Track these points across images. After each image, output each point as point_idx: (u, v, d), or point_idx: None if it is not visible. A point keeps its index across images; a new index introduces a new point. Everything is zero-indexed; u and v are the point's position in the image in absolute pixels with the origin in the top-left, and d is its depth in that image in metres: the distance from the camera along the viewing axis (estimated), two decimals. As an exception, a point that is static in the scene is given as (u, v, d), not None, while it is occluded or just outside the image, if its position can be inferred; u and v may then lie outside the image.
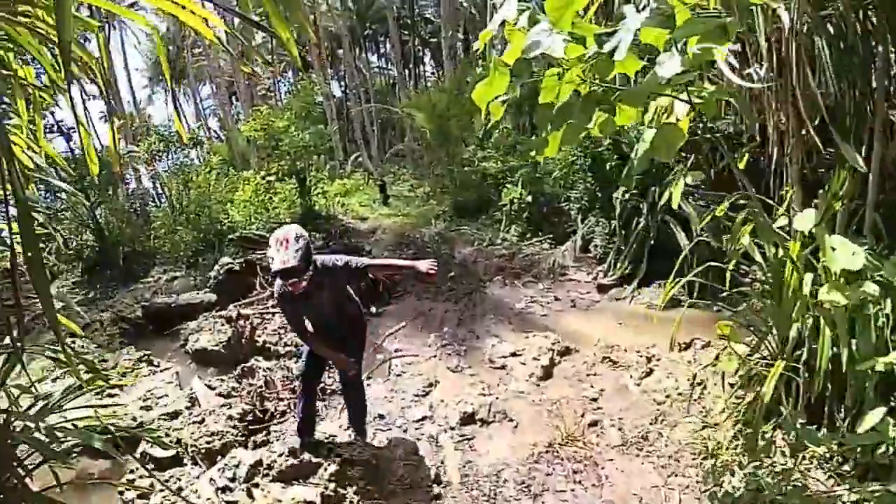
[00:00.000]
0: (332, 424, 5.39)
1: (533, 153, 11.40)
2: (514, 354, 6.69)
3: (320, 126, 15.20)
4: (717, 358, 4.65)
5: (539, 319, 7.94)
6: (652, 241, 8.35)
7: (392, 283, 9.32)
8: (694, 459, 4.36)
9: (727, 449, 4.15)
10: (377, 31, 37.68)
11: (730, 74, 4.82)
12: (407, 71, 35.87)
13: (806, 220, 3.02)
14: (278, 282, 3.90)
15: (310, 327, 4.36)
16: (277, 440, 5.09)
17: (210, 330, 8.03)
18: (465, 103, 14.12)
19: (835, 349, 3.32)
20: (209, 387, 6.34)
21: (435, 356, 6.99)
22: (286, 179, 13.23)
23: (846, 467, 3.33)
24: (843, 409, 3.53)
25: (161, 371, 7.72)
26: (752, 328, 4.62)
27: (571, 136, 2.58)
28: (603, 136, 3.23)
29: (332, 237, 11.67)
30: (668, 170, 8.76)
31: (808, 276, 3.35)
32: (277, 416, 5.61)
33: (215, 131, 33.65)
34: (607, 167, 9.39)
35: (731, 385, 4.74)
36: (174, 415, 5.87)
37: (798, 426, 3.27)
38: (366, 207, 15.64)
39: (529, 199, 10.80)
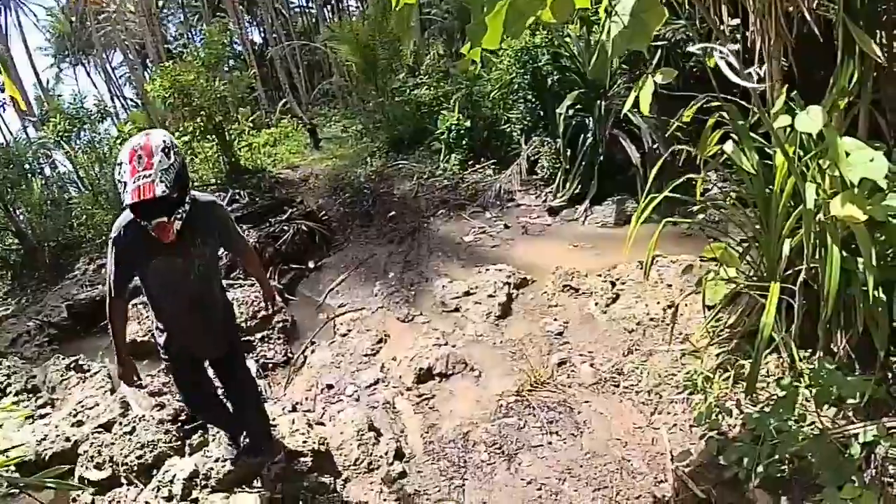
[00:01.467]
0: (275, 407, 4.63)
1: (467, 71, 10.45)
2: (467, 293, 6.01)
3: (236, 73, 13.59)
4: (698, 283, 4.00)
5: (490, 251, 7.26)
6: (601, 158, 7.71)
7: (329, 233, 8.44)
8: (679, 394, 3.80)
9: (715, 382, 3.58)
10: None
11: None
12: (329, 7, 33.36)
13: (811, 119, 2.28)
14: (122, 221, 2.52)
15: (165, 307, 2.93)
16: (214, 440, 4.31)
17: (136, 319, 7.07)
18: (391, 30, 12.85)
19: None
20: (139, 386, 5.48)
21: (382, 307, 6.28)
22: (208, 138, 11.85)
23: (851, 400, 2.75)
24: (846, 337, 2.95)
25: (92, 375, 6.79)
26: (726, 245, 3.97)
27: (516, 19, 1.76)
28: (558, 23, 2.39)
29: (262, 191, 10.57)
30: (611, 81, 8.01)
31: (811, 187, 2.66)
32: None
33: (132, 100, 30.82)
34: (548, 83, 8.55)
35: (708, 307, 4.16)
36: (108, 426, 5.06)
37: (825, 369, 2.67)
38: (296, 155, 14.37)
39: (468, 123, 9.88)
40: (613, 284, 5.51)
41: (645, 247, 6.07)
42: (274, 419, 4.28)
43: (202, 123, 11.39)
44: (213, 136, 11.50)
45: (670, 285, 5.21)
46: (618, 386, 4.19)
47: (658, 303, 4.97)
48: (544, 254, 6.83)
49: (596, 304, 5.39)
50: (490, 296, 5.82)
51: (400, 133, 12.05)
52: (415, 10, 12.43)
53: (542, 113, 8.83)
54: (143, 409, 5.05)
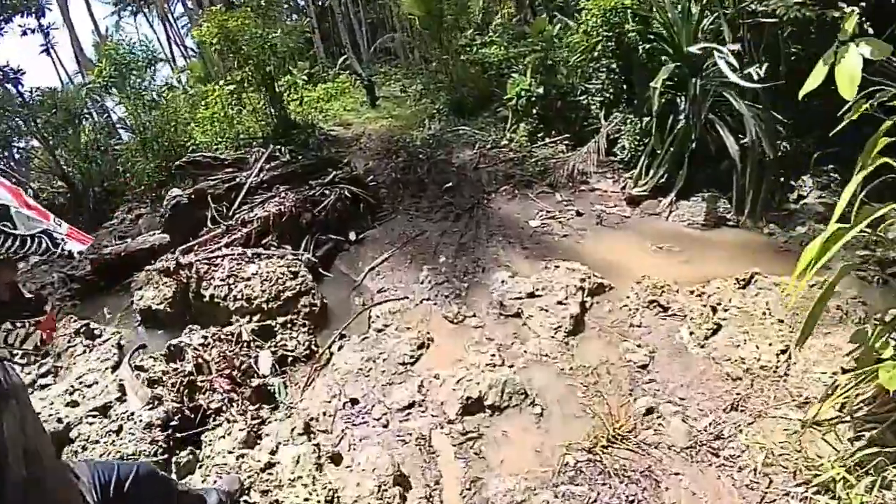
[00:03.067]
0: (284, 424, 3.60)
1: (543, 31, 9.02)
2: (531, 295, 4.82)
3: (290, 22, 12.45)
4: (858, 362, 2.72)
5: (559, 242, 6.02)
6: (693, 145, 6.34)
7: (376, 201, 7.32)
8: (797, 486, 2.58)
9: (851, 486, 2.33)
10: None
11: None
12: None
13: None
14: None
15: None
16: (201, 466, 3.33)
17: (155, 284, 6.22)
18: (460, -18, 11.45)
19: None
20: (140, 368, 4.62)
21: (428, 299, 5.16)
22: (260, 89, 10.84)
23: None
24: None
25: (101, 344, 6.01)
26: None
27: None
28: None
29: (308, 149, 9.52)
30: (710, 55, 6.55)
31: None
32: (211, 415, 3.82)
33: (192, 49, 30.05)
34: (638, 52, 7.09)
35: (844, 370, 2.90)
36: (104, 409, 4.26)
37: None
38: (351, 112, 13.30)
39: (540, 91, 8.50)
40: (714, 310, 4.21)
41: (742, 258, 5.05)
42: (275, 450, 3.25)
43: (250, 73, 10.37)
44: (263, 88, 10.46)
45: (781, 321, 3.92)
46: (716, 455, 2.99)
47: (770, 343, 3.70)
48: (623, 253, 5.60)
49: (691, 332, 4.14)
50: (560, 303, 4.62)
51: (463, 96, 10.78)
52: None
53: (625, 86, 7.55)
54: (138, 400, 4.15)
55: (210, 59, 16.86)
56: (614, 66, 7.53)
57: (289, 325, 5.04)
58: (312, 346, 4.83)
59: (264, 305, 5.15)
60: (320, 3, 28.02)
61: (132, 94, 11.64)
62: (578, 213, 6.67)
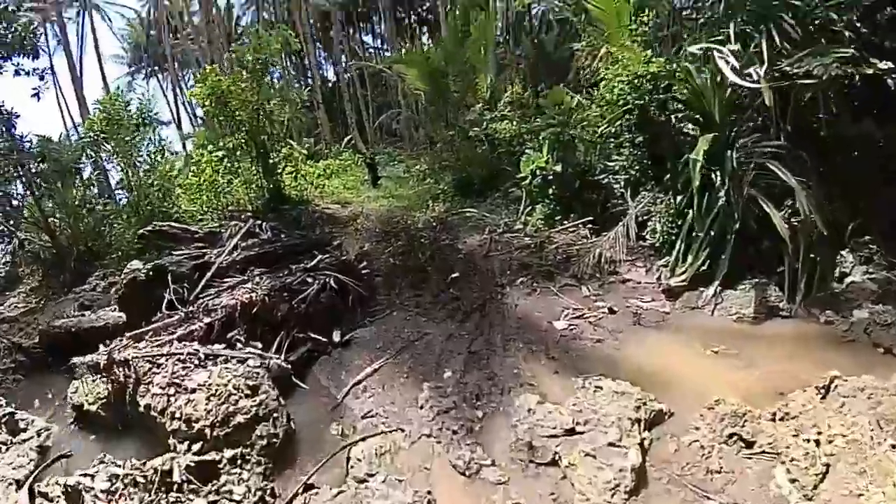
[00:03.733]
0: None
1: (560, 104, 8.11)
2: (571, 431, 3.52)
3: (283, 83, 11.70)
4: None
5: (593, 349, 4.80)
6: (736, 226, 5.39)
7: (368, 293, 6.09)
8: None
9: None
10: (371, 8, 34.02)
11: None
12: (403, 50, 32.29)
13: None
14: None
15: None
16: None
17: (88, 380, 4.99)
18: (466, 58, 10.81)
19: None
20: (45, 497, 3.32)
21: (429, 434, 3.79)
22: (253, 159, 9.92)
23: None
24: None
25: (23, 442, 4.79)
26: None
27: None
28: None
29: (300, 225, 8.44)
30: (745, 124, 5.91)
31: None
32: None
33: (201, 118, 29.86)
34: (664, 123, 6.31)
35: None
36: None
37: None
38: (351, 190, 12.36)
39: (558, 168, 7.49)
40: (818, 444, 3.04)
41: (806, 354, 4.26)
42: None
43: (243, 140, 9.50)
44: (255, 157, 9.55)
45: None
46: None
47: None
48: (671, 359, 4.61)
49: (792, 479, 2.96)
50: (612, 444, 3.33)
51: (470, 175, 9.84)
52: (491, 44, 10.13)
53: (650, 161, 6.65)
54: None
55: (216, 128, 16.23)
56: (639, 140, 6.61)
57: (239, 462, 3.67)
58: (267, 497, 3.44)
59: (208, 431, 3.81)
60: (329, 84, 28.19)
61: (121, 152, 10.76)
62: (611, 311, 5.46)
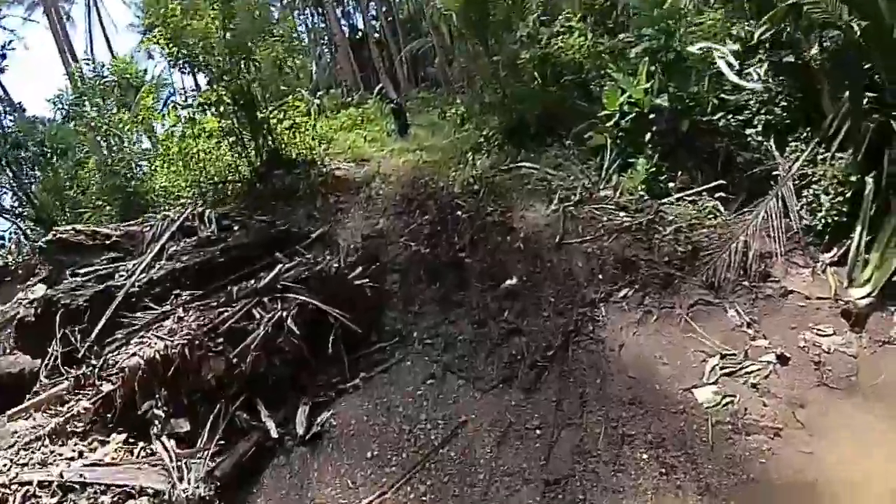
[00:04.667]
0: None
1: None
2: None
3: (274, 24, 9.02)
4: None
5: (766, 454, 2.39)
6: None
7: (365, 326, 3.67)
8: None
9: None
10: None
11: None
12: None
13: None
14: None
15: None
16: None
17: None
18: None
19: None
20: None
21: None
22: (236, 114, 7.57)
23: None
24: None
25: None
26: None
27: None
28: None
29: (288, 202, 6.09)
30: None
31: None
32: None
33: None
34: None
35: None
36: None
37: None
38: (373, 144, 9.84)
39: (662, 101, 4.76)
40: None
41: None
42: None
43: (225, 94, 7.17)
44: (234, 111, 7.20)
45: None
46: None
47: None
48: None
49: None
50: None
51: (522, 116, 7.10)
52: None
53: (802, 94, 4.63)
54: None
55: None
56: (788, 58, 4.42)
57: None
58: None
59: None
60: (357, 34, 25.39)
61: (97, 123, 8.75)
62: (781, 360, 3.01)
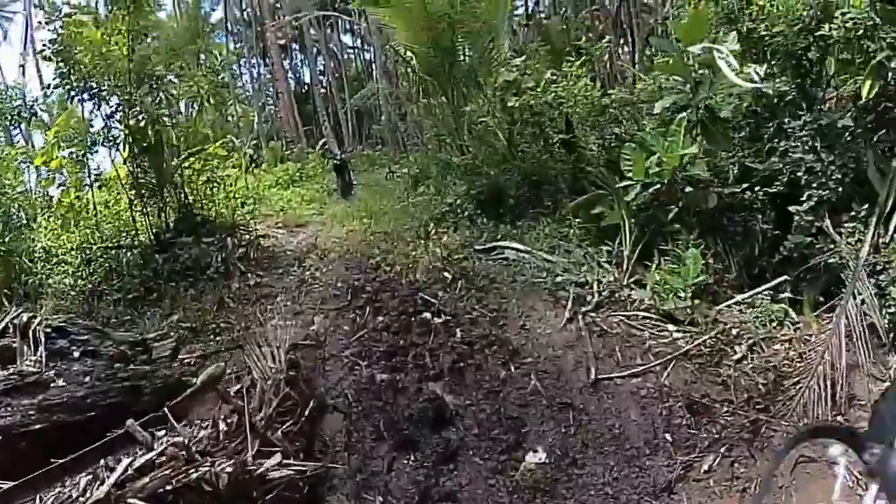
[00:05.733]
0: None
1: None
2: None
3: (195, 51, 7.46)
4: None
5: None
6: None
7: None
8: None
9: None
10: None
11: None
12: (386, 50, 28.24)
13: None
14: None
15: None
16: None
17: None
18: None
19: None
20: None
21: None
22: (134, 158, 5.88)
23: None
24: None
25: None
26: None
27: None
28: None
29: (196, 279, 4.46)
30: None
31: None
32: None
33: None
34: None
35: None
36: None
37: None
38: (310, 205, 8.29)
39: (700, 170, 3.57)
40: None
41: None
42: None
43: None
44: (136, 156, 5.59)
45: None
46: None
47: None
48: None
49: None
50: None
51: (496, 181, 5.81)
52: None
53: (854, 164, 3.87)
54: None
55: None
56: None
57: None
58: None
59: None
60: (304, 88, 24.31)
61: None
62: None
